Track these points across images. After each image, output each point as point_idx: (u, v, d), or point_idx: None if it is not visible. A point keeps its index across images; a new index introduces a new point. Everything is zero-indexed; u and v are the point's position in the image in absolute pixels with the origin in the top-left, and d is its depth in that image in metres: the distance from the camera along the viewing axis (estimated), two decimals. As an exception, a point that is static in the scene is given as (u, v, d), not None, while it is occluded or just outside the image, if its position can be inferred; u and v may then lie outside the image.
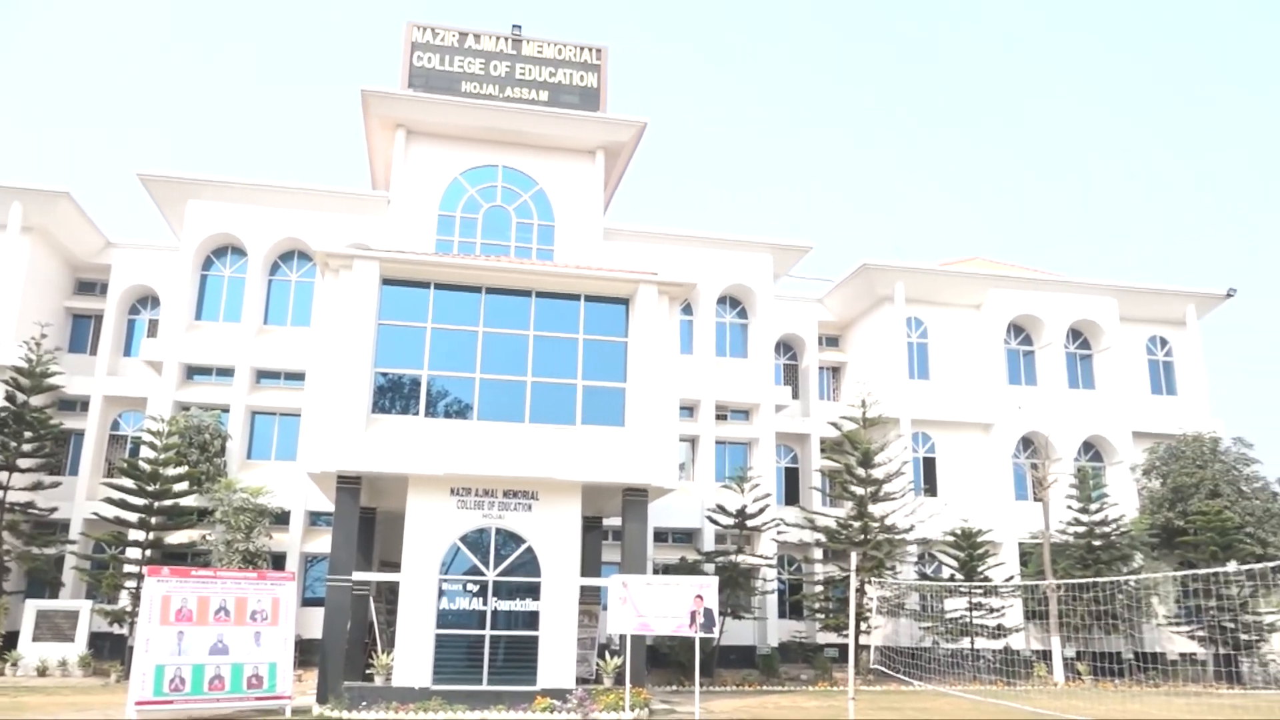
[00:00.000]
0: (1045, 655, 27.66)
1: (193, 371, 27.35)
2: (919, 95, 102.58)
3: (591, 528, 22.08)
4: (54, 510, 25.79)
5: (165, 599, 15.56)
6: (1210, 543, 27.79)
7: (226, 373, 27.27)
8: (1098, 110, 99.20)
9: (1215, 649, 27.85)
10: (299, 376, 27.38)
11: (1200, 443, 30.70)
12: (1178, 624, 28.94)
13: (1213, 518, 28.03)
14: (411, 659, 17.18)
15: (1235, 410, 68.70)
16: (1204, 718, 17.68)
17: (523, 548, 18.16)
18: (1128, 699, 21.72)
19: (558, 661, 17.67)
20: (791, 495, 31.53)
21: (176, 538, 24.71)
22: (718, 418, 29.57)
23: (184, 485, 24.40)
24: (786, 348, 33.83)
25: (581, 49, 29.11)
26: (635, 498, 19.16)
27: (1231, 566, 23.93)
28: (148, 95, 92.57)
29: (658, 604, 16.44)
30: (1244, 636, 27.23)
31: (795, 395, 32.50)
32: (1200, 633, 28.02)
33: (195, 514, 24.64)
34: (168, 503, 23.89)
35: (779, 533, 28.07)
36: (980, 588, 27.30)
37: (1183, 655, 29.20)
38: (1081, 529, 28.89)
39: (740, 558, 26.08)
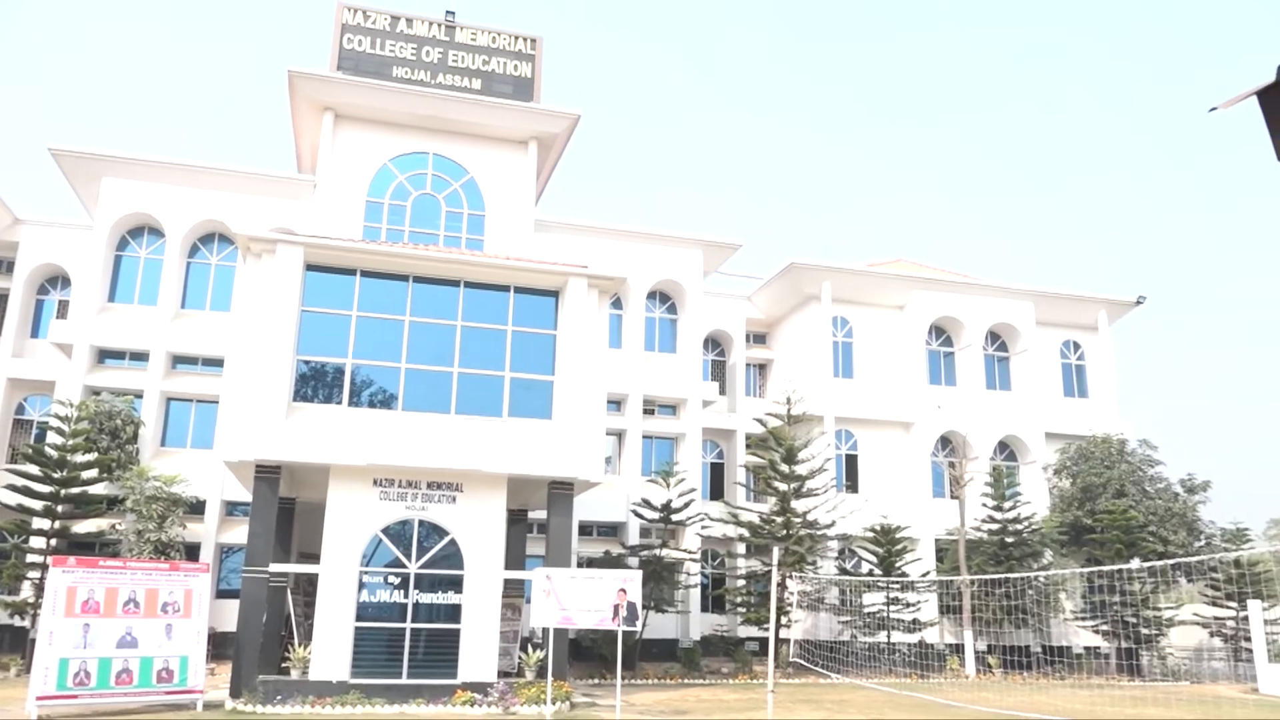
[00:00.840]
0: (958, 649, 28.42)
1: (104, 355, 26.41)
2: (850, 99, 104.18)
3: (516, 520, 21.96)
4: (-48, 497, 24.66)
5: (71, 590, 15.03)
6: (1115, 540, 28.86)
7: (141, 357, 26.39)
8: (1025, 115, 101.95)
9: (1118, 643, 28.92)
10: (217, 363, 26.62)
11: (1108, 444, 31.83)
12: (1083, 619, 29.99)
13: (1118, 516, 29.11)
14: (330, 652, 16.88)
15: (1142, 413, 71.50)
16: (1105, 708, 18.36)
17: (446, 540, 17.98)
18: (1035, 691, 22.45)
19: (479, 655, 17.55)
20: (717, 490, 31.80)
21: (84, 527, 23.82)
22: (645, 412, 29.66)
23: (93, 473, 23.55)
24: (715, 344, 34.08)
25: (516, 38, 28.81)
26: (561, 491, 19.12)
27: (1135, 564, 24.82)
28: (62, 67, 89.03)
29: (581, 597, 16.43)
30: (1145, 631, 28.36)
31: (722, 391, 32.77)
32: (1104, 627, 29.08)
33: (105, 503, 23.78)
34: (75, 490, 23.03)
35: (703, 527, 28.29)
36: (898, 583, 27.91)
37: (1087, 649, 30.28)
38: (995, 526, 29.74)
39: (664, 552, 26.22)
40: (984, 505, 30.11)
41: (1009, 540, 29.54)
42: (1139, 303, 35.50)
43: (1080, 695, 21.16)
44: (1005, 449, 33.69)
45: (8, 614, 22.30)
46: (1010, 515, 29.74)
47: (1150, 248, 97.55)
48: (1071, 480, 32.07)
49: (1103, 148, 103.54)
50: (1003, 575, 26.33)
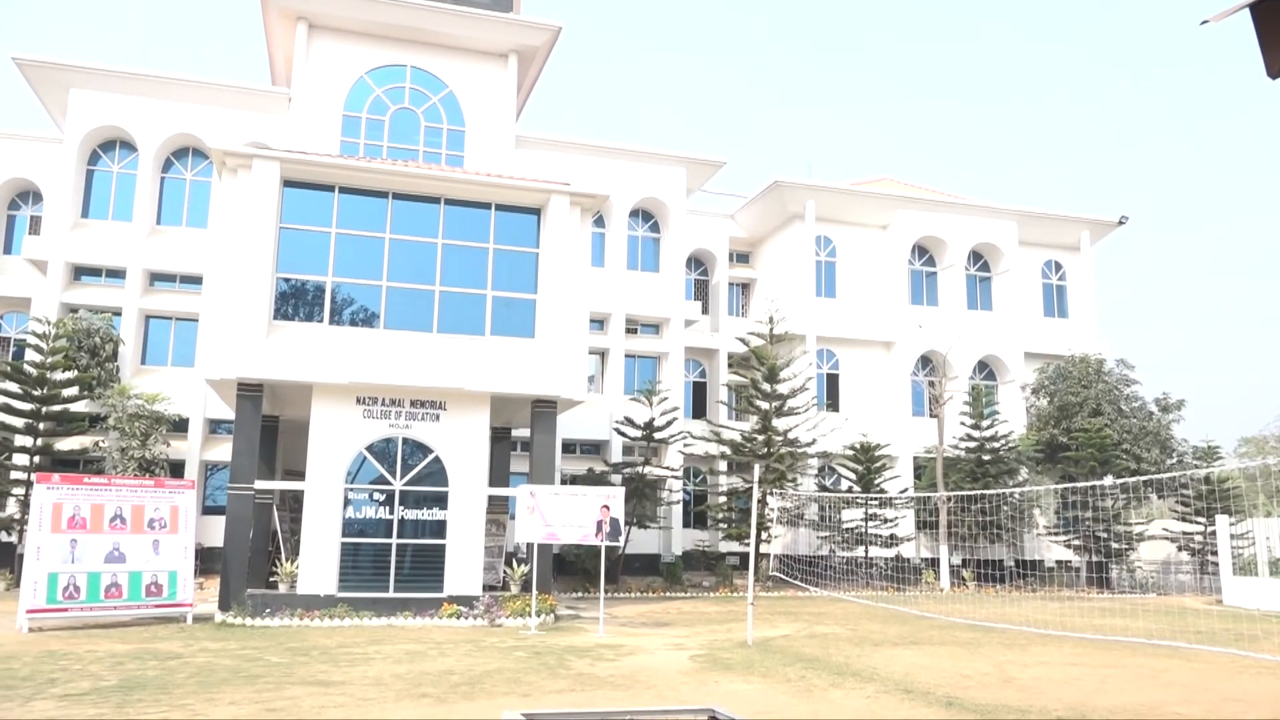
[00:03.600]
0: (934, 563, 29.12)
1: (80, 272, 26.05)
2: (836, 12, 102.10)
3: (500, 438, 22.11)
4: (-69, 415, 24.54)
5: (57, 506, 15.10)
6: (1090, 458, 29.40)
7: (117, 274, 26.05)
8: (1011, 35, 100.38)
9: (1089, 557, 29.71)
10: (196, 280, 26.35)
11: (1086, 364, 32.18)
12: (1056, 534, 30.72)
13: (1093, 435, 29.61)
14: (316, 567, 17.10)
15: (1120, 334, 72.14)
16: (1074, 619, 18.93)
17: (430, 457, 18.09)
18: (1007, 603, 23.10)
19: (465, 569, 17.83)
20: (699, 409, 32.05)
21: (68, 444, 23.83)
22: (628, 331, 29.68)
23: (74, 390, 23.47)
24: (698, 263, 33.95)
25: (495, -55, 27.90)
26: (544, 409, 19.21)
27: (1108, 480, 25.41)
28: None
29: (565, 514, 16.66)
30: (1115, 546, 29.11)
31: (705, 310, 32.79)
32: (1076, 542, 29.82)
33: (87, 420, 23.76)
34: (56, 408, 22.97)
35: (685, 445, 28.59)
36: (876, 499, 28.43)
37: (1059, 563, 31.10)
38: (973, 444, 30.21)
39: (647, 469, 26.53)
40: (962, 424, 30.52)
41: (986, 458, 30.04)
42: (1121, 223, 35.50)
43: (1050, 607, 21.79)
44: (985, 368, 34.01)
45: (-6, 530, 22.42)
46: (988, 433, 30.18)
47: (1133, 167, 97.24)
48: (1049, 399, 32.49)
49: (1089, 63, 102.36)
50: (979, 492, 26.85)
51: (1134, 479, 21.61)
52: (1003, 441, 30.23)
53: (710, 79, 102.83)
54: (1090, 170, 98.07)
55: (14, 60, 25.25)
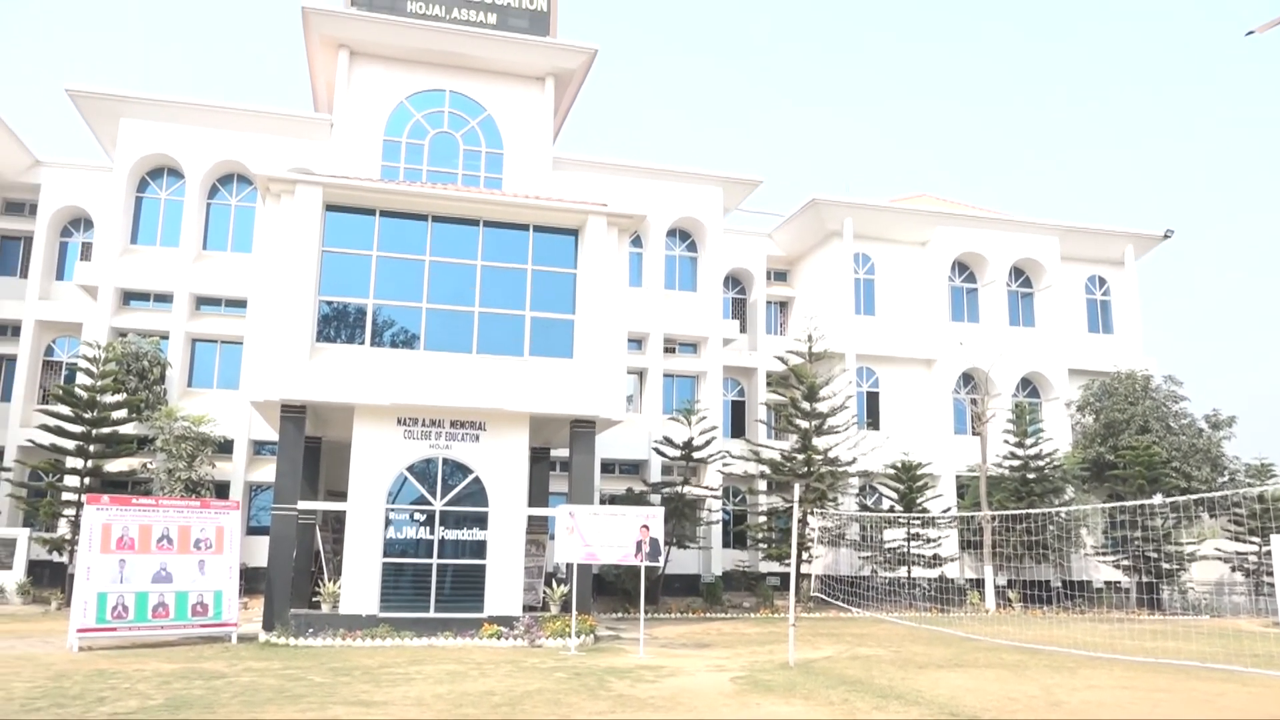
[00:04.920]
0: (978, 583, 28.66)
1: (129, 297, 26.63)
2: (872, 29, 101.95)
3: (539, 458, 22.17)
4: (-14, 437, 25.16)
5: (106, 527, 15.37)
6: (1138, 476, 28.82)
7: (165, 299, 26.59)
8: (1048, 46, 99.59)
9: (1138, 577, 29.07)
10: (241, 304, 26.82)
11: (1133, 380, 31.62)
12: (1104, 554, 30.11)
13: (1141, 452, 29.03)
14: (358, 587, 17.23)
15: (1167, 349, 70.82)
16: (1125, 641, 18.51)
17: (470, 478, 18.19)
18: (1055, 625, 22.65)
19: (505, 590, 17.86)
20: (738, 428, 31.93)
21: (116, 466, 24.31)
22: (666, 350, 29.69)
23: (123, 413, 23.94)
24: (735, 282, 33.93)
25: (532, -29, 28.27)
26: (583, 429, 19.24)
27: (1157, 499, 24.89)
28: (79, 8, 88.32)
29: (604, 534, 16.63)
30: (1166, 566, 28.47)
31: (743, 329, 32.72)
32: (1125, 562, 29.21)
33: (135, 442, 24.22)
34: (106, 430, 23.44)
35: (725, 465, 28.47)
36: (918, 519, 28.08)
37: (1108, 583, 30.47)
38: (1017, 462, 29.75)
39: (686, 489, 26.45)
40: (1006, 442, 30.09)
41: (1031, 476, 29.56)
42: (1167, 236, 34.93)
43: (1099, 629, 21.34)
44: (1028, 385, 33.55)
45: (46, 550, 22.90)
46: (1032, 452, 29.73)
47: (1178, 178, 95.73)
48: (1095, 416, 31.96)
49: (1129, 70, 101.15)
50: (1024, 511, 26.43)
51: (1184, 498, 21.11)
52: (1048, 460, 29.74)
53: (747, 96, 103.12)
54: (1131, 183, 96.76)
55: (67, 91, 25.99)
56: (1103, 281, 35.57)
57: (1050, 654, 16.27)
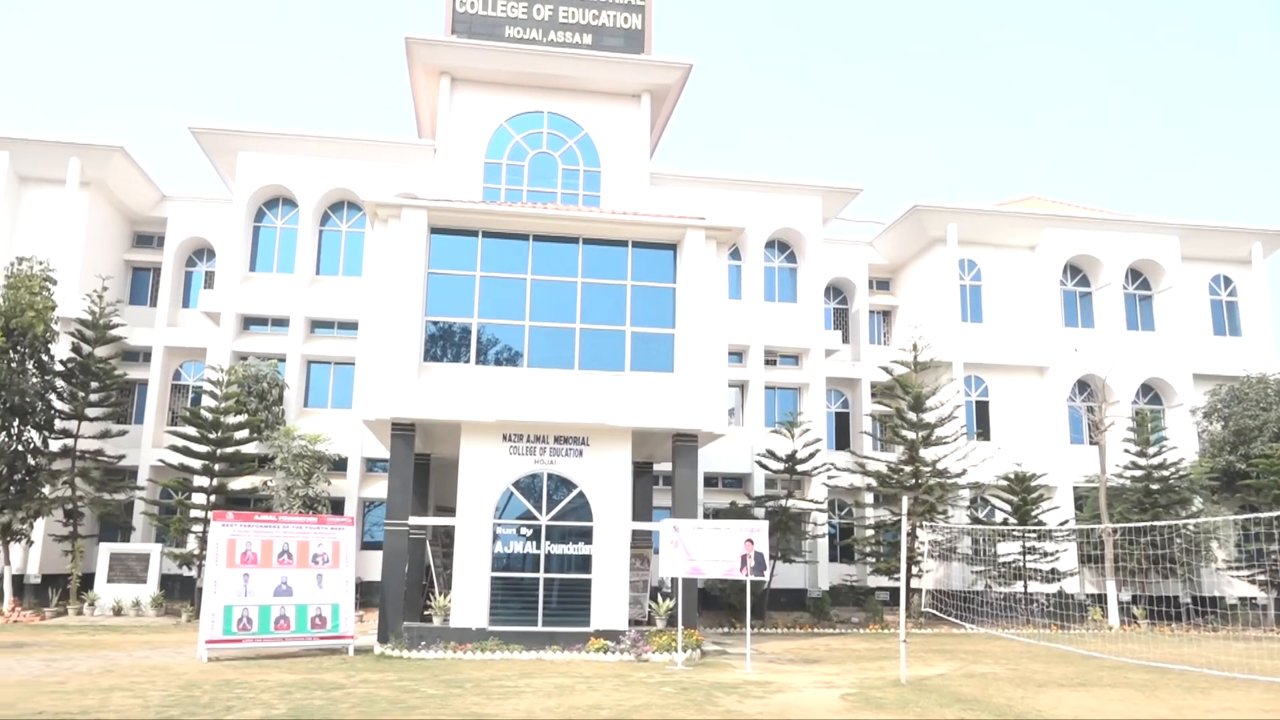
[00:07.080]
0: (1100, 599, 27.47)
1: (249, 322, 27.87)
2: (971, 33, 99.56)
3: (642, 473, 22.25)
4: (122, 458, 26.62)
5: (230, 542, 16.07)
6: (1273, 486, 27.20)
7: (282, 323, 27.75)
8: (1153, 45, 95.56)
9: (1276, 593, 27.42)
10: (352, 326, 27.80)
11: (1264, 385, 29.93)
12: (1237, 568, 28.51)
13: (1276, 461, 27.40)
14: (468, 601, 17.57)
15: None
16: (1263, 661, 17.47)
17: (574, 493, 18.37)
18: (1185, 643, 21.53)
19: (611, 604, 17.95)
20: (842, 440, 31.43)
21: (239, 484, 25.43)
22: (767, 363, 29.47)
23: (244, 433, 25.02)
24: (836, 292, 33.48)
25: (625, -10, 28.61)
26: (685, 443, 19.23)
27: (1295, 510, 23.40)
28: (198, 47, 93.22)
29: (708, 548, 16.57)
30: (1307, 581, 26.76)
31: (845, 339, 32.25)
32: (1261, 577, 27.60)
33: (256, 461, 25.31)
34: (229, 450, 24.54)
35: (830, 477, 28.05)
36: (1034, 532, 27.10)
37: (1242, 599, 28.83)
38: (1139, 473, 28.45)
39: (790, 502, 26.15)
40: (1126, 451, 28.81)
41: (1154, 487, 28.22)
42: (1299, 232, 33.00)
43: (1234, 647, 20.18)
44: (1149, 392, 32.10)
45: (177, 564, 24.06)
46: (1155, 461, 28.38)
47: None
48: (1223, 424, 30.34)
49: (1255, 68, 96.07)
50: (1148, 524, 25.23)
51: (1326, 508, 19.86)
52: (1173, 469, 28.33)
53: (845, 104, 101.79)
54: (1257, 173, 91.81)
55: (190, 129, 27.44)
56: (1228, 281, 33.83)
57: (1181, 674, 15.47)
